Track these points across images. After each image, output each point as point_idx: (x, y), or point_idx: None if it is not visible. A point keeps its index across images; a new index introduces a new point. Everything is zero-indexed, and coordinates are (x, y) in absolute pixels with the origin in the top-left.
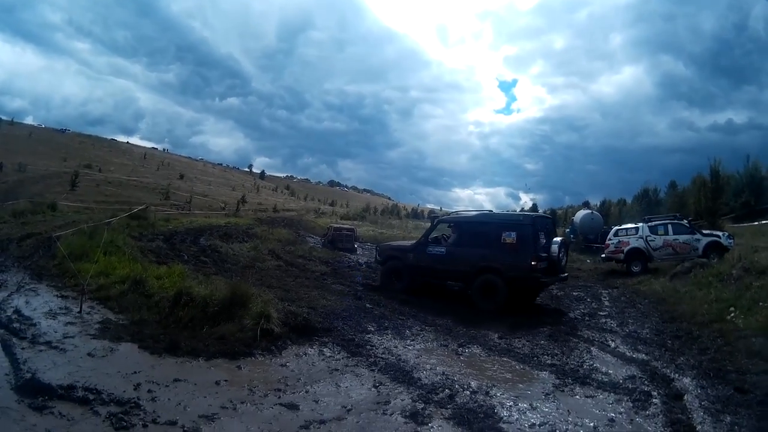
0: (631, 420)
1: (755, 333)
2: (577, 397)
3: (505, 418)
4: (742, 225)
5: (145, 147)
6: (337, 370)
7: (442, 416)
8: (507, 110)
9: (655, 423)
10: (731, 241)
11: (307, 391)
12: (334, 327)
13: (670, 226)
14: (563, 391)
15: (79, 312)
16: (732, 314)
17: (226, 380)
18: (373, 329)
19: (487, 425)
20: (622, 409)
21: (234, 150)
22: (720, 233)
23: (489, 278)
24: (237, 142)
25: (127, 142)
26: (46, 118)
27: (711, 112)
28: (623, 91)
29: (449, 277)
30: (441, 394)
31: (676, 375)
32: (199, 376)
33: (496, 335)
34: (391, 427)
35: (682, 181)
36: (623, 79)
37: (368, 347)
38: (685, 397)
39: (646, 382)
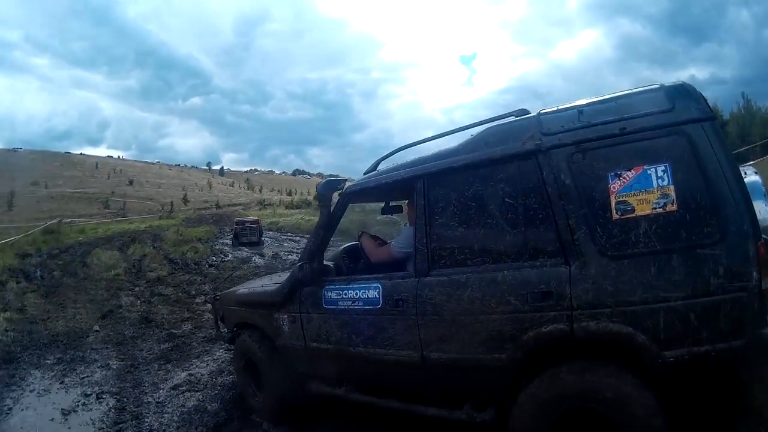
0: None
1: None
2: None
3: None
4: None
5: (98, 157)
6: None
7: None
8: (469, 83)
9: None
10: None
11: None
12: (17, 358)
13: None
14: None
15: None
16: None
17: None
18: (50, 361)
19: None
20: None
21: (201, 149)
22: None
23: (579, 378)
24: (203, 141)
25: (81, 154)
26: (12, 138)
27: (673, 70)
28: (583, 55)
29: (410, 381)
30: None
31: None
32: None
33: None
34: None
35: None
36: (581, 43)
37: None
38: None
39: None
